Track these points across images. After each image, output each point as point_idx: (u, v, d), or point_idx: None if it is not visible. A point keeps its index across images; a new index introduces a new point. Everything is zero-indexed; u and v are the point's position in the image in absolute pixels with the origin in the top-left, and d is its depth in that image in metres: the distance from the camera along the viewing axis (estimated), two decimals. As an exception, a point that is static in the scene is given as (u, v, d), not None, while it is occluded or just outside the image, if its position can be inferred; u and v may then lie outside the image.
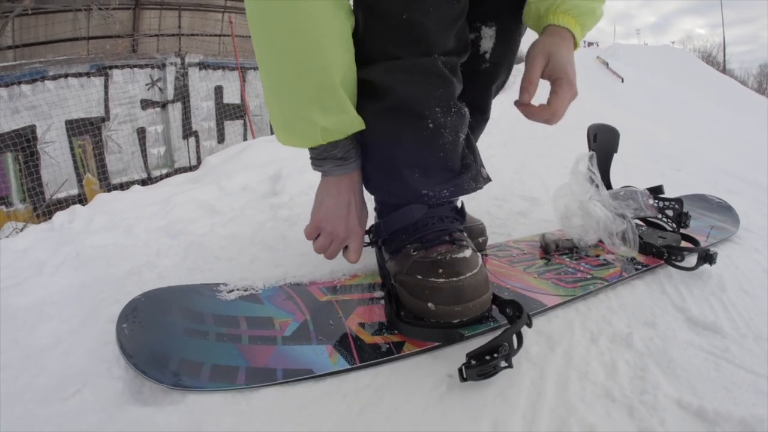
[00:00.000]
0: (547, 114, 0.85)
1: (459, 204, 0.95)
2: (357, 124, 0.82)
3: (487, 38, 0.98)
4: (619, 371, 0.74)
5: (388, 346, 0.73)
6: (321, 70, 0.75)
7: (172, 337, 0.74)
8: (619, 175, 2.23)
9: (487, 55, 0.99)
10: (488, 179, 1.02)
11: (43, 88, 4.99)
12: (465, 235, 0.86)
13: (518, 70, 0.94)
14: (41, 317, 0.90)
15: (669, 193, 1.74)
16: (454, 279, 0.75)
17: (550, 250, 1.13)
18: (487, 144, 3.35)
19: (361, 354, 0.71)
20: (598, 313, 0.91)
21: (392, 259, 0.86)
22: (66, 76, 5.13)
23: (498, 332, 0.71)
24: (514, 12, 0.97)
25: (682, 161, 2.80)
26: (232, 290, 0.87)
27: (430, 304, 0.75)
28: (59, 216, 1.96)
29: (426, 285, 0.76)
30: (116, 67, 5.48)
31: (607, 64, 17.86)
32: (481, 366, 0.65)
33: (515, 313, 0.75)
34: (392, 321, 0.77)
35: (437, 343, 0.75)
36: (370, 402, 0.65)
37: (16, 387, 0.69)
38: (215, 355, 0.69)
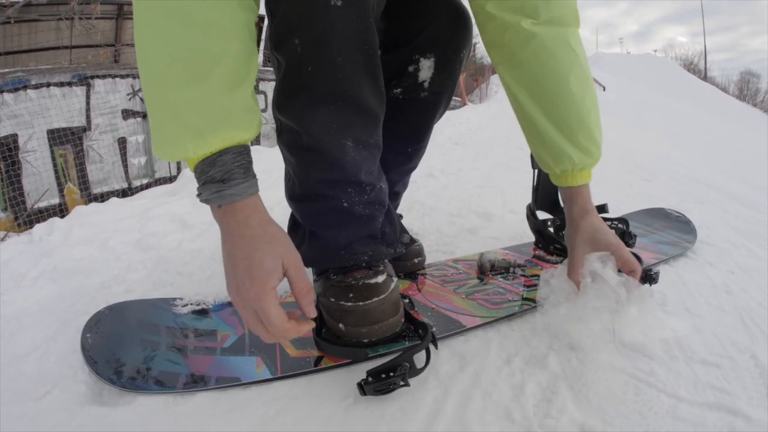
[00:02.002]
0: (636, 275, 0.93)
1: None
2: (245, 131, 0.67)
3: (426, 69, 0.99)
4: (527, 393, 0.75)
5: (308, 359, 0.82)
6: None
7: (128, 346, 0.83)
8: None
9: (426, 84, 1.01)
10: (411, 242, 1.05)
11: (26, 98, 4.99)
12: (385, 261, 0.92)
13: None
14: (20, 327, 0.98)
15: (634, 205, 1.81)
16: (361, 303, 0.80)
17: (485, 269, 1.14)
18: (458, 157, 3.41)
19: (284, 366, 0.80)
20: (519, 333, 0.92)
21: (317, 281, 0.92)
22: (48, 85, 5.14)
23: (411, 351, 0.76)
24: (453, 43, 0.99)
25: (654, 171, 2.80)
26: (186, 304, 0.96)
27: (341, 325, 0.81)
28: (39, 228, 2.02)
29: (337, 307, 0.81)
30: (98, 76, 5.49)
31: (589, 73, 18.15)
32: (378, 383, 0.71)
33: (423, 334, 0.80)
34: (314, 337, 0.84)
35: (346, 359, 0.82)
36: (285, 408, 0.73)
37: (-3, 388, 0.78)
38: (163, 363, 0.79)
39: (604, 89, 14.55)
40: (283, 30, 0.70)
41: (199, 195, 0.68)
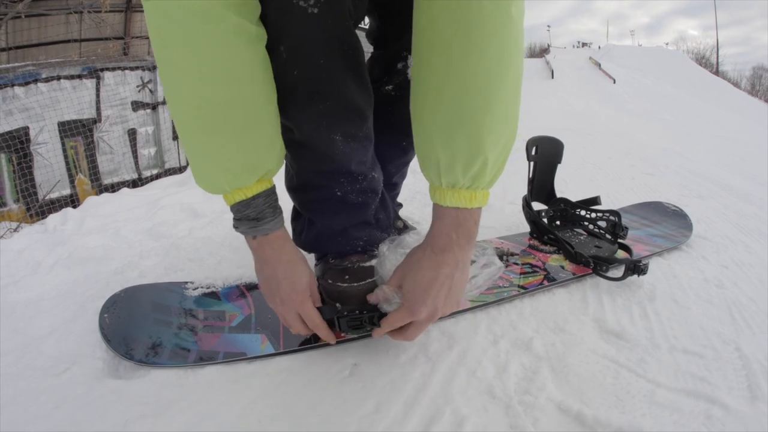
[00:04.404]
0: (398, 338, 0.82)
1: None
2: (265, 184, 0.77)
3: None
4: (509, 372, 0.78)
5: (308, 337, 0.87)
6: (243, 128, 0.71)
7: (142, 325, 0.89)
8: (588, 180, 2.35)
9: None
10: (405, 228, 1.09)
11: (36, 91, 5.04)
12: (379, 245, 0.96)
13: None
14: (38, 311, 1.03)
15: (634, 198, 1.84)
16: (356, 284, 0.85)
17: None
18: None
19: (286, 342, 0.86)
20: (507, 317, 0.95)
21: (317, 264, 0.98)
22: (58, 78, 5.18)
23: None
24: None
25: (658, 165, 2.81)
26: (197, 288, 1.02)
27: (338, 305, 0.85)
28: (53, 218, 2.09)
29: (334, 288, 0.85)
30: (108, 69, 5.53)
31: (600, 65, 18.00)
32: (350, 319, 0.80)
33: None
34: None
35: (349, 336, 0.87)
36: (286, 380, 0.80)
37: (18, 367, 0.84)
38: (175, 340, 0.86)
39: (615, 81, 14.43)
40: (270, 38, 0.74)
41: (236, 227, 0.80)
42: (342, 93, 0.80)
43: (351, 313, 0.81)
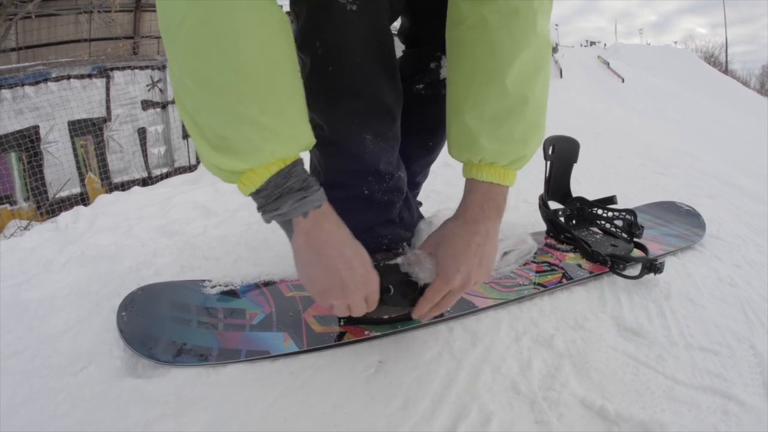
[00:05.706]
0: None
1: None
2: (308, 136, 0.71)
3: (446, 66, 0.97)
4: (533, 368, 0.80)
5: (332, 335, 0.87)
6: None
7: (161, 323, 0.89)
8: (600, 179, 2.33)
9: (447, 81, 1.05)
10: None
11: (46, 90, 5.07)
12: (404, 243, 0.97)
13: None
14: (52, 309, 1.02)
15: (646, 197, 1.83)
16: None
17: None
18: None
19: (309, 340, 0.85)
20: (528, 315, 0.96)
21: None
22: (68, 77, 5.21)
23: (428, 327, 0.83)
24: None
25: (668, 164, 2.82)
26: (215, 286, 1.01)
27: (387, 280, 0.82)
28: (64, 216, 2.09)
29: None
30: (117, 68, 5.55)
31: (608, 64, 17.88)
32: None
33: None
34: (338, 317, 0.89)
35: (373, 334, 0.87)
36: (311, 378, 0.79)
37: (33, 365, 0.83)
38: (195, 338, 0.85)
39: (623, 81, 14.33)
40: (305, 32, 0.74)
41: (276, 210, 0.67)
42: (375, 92, 0.80)
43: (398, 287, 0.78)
